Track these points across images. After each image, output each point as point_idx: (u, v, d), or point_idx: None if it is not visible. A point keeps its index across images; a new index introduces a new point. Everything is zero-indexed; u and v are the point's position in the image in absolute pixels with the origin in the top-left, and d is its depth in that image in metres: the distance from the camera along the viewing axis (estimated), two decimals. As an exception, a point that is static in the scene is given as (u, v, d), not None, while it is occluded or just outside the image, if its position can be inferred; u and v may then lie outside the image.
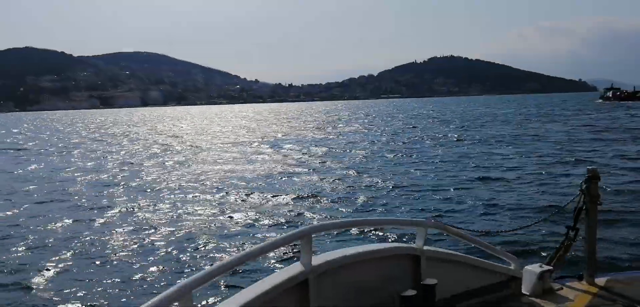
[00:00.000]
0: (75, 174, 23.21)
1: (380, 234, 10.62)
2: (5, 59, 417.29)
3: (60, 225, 13.12)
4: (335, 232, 10.35)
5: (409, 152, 28.68)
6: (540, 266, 4.97)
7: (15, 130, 77.05)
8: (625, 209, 12.52)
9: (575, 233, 5.34)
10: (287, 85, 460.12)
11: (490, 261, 4.87)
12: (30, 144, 46.33)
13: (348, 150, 31.21)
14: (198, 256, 10.17)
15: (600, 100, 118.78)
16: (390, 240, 9.92)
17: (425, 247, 4.11)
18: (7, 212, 14.92)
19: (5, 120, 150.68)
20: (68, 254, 10.51)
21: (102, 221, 13.55)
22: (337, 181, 19.54)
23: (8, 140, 53.05)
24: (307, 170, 22.77)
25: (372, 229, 10.77)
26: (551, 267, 5.07)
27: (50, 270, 9.55)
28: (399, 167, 23.09)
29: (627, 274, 6.08)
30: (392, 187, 17.61)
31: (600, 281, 5.20)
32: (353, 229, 10.73)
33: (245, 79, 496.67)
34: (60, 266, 9.80)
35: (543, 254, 8.18)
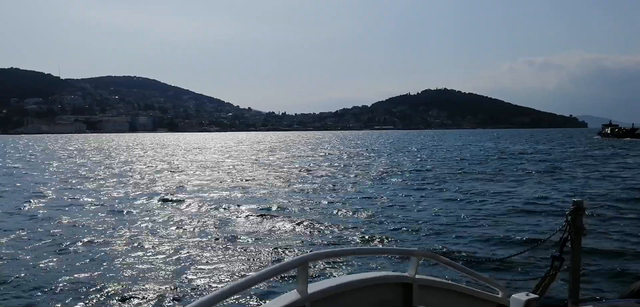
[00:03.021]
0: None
1: (375, 262, 11.10)
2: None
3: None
4: (330, 260, 10.85)
5: (403, 181, 29.47)
6: (527, 295, 5.13)
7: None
8: (609, 239, 13.75)
9: (561, 263, 5.70)
10: (280, 113, 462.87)
11: (479, 289, 5.19)
12: None
13: (342, 179, 31.88)
14: (192, 285, 10.43)
15: (598, 137, 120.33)
16: (383, 268, 10.39)
17: (417, 276, 4.35)
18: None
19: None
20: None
21: (71, 252, 13.94)
22: (332, 208, 20.38)
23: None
24: (302, 197, 23.38)
25: (366, 257, 11.29)
26: (537, 295, 5.26)
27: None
28: (394, 196, 23.86)
29: (610, 303, 6.50)
30: (386, 216, 18.37)
31: None
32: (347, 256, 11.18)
33: (238, 106, 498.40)
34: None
35: (530, 282, 8.69)
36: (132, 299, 9.67)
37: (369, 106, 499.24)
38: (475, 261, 8.95)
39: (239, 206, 21.22)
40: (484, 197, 23.05)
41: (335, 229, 16.01)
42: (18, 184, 31.42)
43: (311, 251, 7.09)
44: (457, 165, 43.32)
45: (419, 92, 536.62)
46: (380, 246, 13.64)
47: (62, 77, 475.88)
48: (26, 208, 21.18)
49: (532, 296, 5.44)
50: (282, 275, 9.07)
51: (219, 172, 38.53)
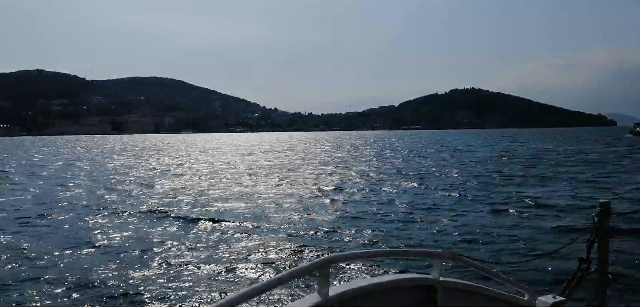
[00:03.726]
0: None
1: (397, 263, 11.07)
2: (15, 82, 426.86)
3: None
4: (351, 263, 10.81)
5: (426, 182, 29.33)
6: (554, 297, 5.08)
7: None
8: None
9: (588, 264, 5.63)
10: (306, 113, 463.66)
11: (505, 291, 5.07)
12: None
13: (366, 179, 31.79)
14: (212, 287, 10.55)
15: (631, 136, 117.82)
16: (406, 270, 10.33)
17: (441, 278, 4.26)
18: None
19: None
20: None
21: (98, 247, 14.16)
22: (354, 209, 20.39)
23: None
24: (323, 198, 23.43)
25: (388, 259, 11.22)
26: (564, 298, 5.20)
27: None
28: (416, 196, 23.77)
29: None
30: (410, 217, 18.34)
31: None
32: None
33: (264, 106, 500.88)
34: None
35: (556, 285, 8.54)
36: (145, 297, 9.83)
37: (396, 106, 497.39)
38: (500, 263, 8.82)
39: (259, 206, 21.41)
40: (510, 197, 22.76)
41: (356, 232, 15.98)
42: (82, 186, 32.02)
43: (332, 253, 7.03)
44: (493, 165, 42.89)
45: (447, 91, 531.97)
46: (403, 248, 13.53)
47: (88, 78, 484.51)
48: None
49: (559, 298, 5.33)
50: (303, 277, 9.05)
51: (241, 171, 38.80)
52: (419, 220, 17.89)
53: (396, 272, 9.93)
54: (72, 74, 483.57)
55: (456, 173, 35.98)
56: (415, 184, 29.05)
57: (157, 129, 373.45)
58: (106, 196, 25.60)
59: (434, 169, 39.69)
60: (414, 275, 4.49)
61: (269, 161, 53.76)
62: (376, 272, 10.60)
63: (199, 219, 18.42)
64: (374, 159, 54.99)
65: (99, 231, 16.52)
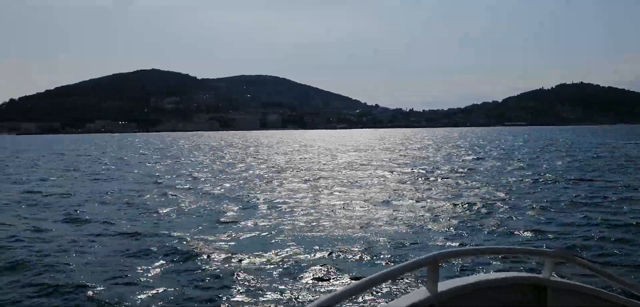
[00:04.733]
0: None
1: (505, 261, 11.01)
2: (133, 81, 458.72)
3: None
4: (459, 259, 10.91)
5: (538, 178, 28.39)
6: None
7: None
8: None
9: None
10: (407, 110, 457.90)
11: (622, 295, 4.76)
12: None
13: (472, 175, 31.34)
14: (321, 281, 10.96)
15: None
16: (514, 269, 10.24)
17: (552, 278, 4.11)
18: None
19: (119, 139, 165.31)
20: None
21: (220, 233, 15.12)
22: (462, 205, 20.41)
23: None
24: (430, 195, 23.55)
25: (496, 256, 11.10)
26: None
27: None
28: (527, 193, 23.28)
29: None
30: (520, 213, 18.09)
31: None
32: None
33: (365, 103, 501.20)
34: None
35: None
36: (253, 288, 10.48)
37: (499, 102, 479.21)
38: (617, 265, 8.41)
39: (368, 201, 21.81)
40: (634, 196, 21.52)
41: (464, 228, 15.99)
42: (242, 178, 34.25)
43: (441, 249, 7.19)
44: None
45: (553, 86, 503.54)
46: (512, 246, 13.26)
47: (199, 77, 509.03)
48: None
49: None
50: (411, 273, 9.30)
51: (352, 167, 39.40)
52: (529, 217, 17.55)
53: (504, 271, 9.92)
54: (183, 73, 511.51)
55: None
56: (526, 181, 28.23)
57: (262, 126, 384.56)
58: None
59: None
60: (524, 274, 4.42)
61: (403, 156, 54.05)
62: (483, 269, 10.59)
63: (317, 211, 19.26)
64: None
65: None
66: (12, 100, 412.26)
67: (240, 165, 47.38)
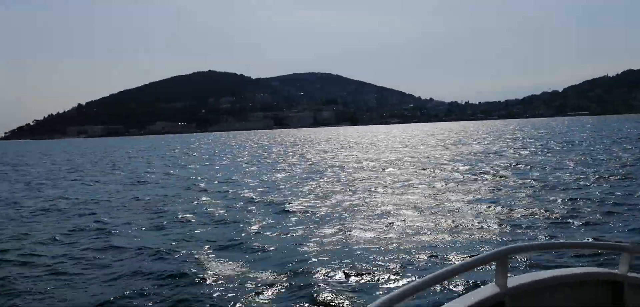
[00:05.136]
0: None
1: (577, 256, 10.76)
2: (191, 83, 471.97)
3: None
4: (529, 254, 10.71)
5: (607, 172, 27.51)
6: None
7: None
8: None
9: None
10: (463, 103, 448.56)
11: None
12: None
13: (544, 167, 30.68)
14: (389, 275, 10.99)
15: None
16: (588, 264, 10.02)
17: (630, 274, 3.94)
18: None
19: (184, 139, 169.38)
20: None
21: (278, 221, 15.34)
22: (532, 198, 19.99)
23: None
24: (498, 188, 23.21)
25: (568, 251, 10.87)
26: None
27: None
28: (602, 185, 22.62)
29: None
30: (595, 206, 17.58)
31: None
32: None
33: (419, 97, 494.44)
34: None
35: None
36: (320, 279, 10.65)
37: (559, 91, 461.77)
38: None
39: (436, 194, 21.80)
40: None
41: (534, 222, 15.62)
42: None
43: (512, 244, 7.16)
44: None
45: (619, 73, 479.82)
46: (585, 240, 12.81)
47: (253, 77, 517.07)
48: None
49: None
50: (481, 267, 9.21)
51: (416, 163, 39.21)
52: (603, 210, 16.97)
53: (577, 266, 9.69)
54: (239, 73, 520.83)
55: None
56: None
57: (316, 123, 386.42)
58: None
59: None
60: (598, 269, 4.27)
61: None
62: (554, 265, 10.27)
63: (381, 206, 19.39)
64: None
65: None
66: (79, 105, 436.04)
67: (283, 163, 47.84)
